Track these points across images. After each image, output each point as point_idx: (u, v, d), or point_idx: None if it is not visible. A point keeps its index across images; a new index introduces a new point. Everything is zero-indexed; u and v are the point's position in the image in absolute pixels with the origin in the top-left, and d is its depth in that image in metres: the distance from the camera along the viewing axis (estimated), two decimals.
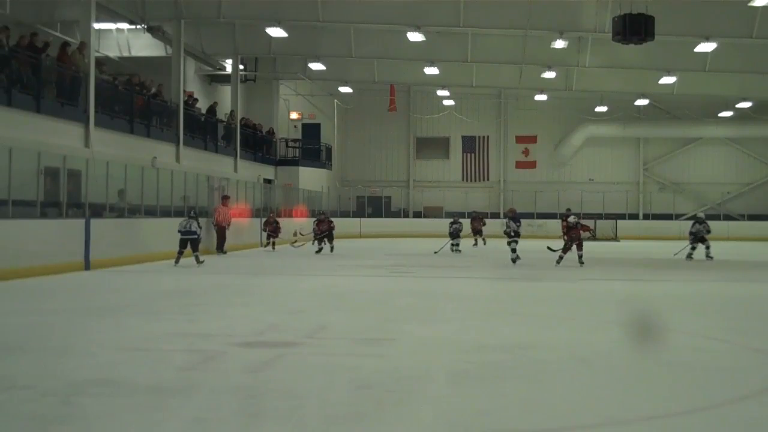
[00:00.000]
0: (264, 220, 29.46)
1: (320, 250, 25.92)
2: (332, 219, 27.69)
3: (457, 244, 27.71)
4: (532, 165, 48.15)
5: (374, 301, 13.08)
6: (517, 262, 21.23)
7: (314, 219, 28.00)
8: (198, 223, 19.70)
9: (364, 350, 8.39)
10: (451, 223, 28.47)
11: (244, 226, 27.86)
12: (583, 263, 20.29)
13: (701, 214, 26.62)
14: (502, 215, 45.61)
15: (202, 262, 19.55)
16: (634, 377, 7.17)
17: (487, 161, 48.40)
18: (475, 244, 32.34)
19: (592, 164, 47.85)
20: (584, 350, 8.35)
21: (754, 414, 6.01)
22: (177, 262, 19.46)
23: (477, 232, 32.66)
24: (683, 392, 6.60)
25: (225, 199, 25.85)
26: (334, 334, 9.40)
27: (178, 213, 22.52)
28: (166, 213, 22.87)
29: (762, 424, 5.80)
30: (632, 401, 6.27)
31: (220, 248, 24.82)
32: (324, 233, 26.22)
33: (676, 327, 10.17)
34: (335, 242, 26.64)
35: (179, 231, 19.59)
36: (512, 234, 21.55)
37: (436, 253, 25.92)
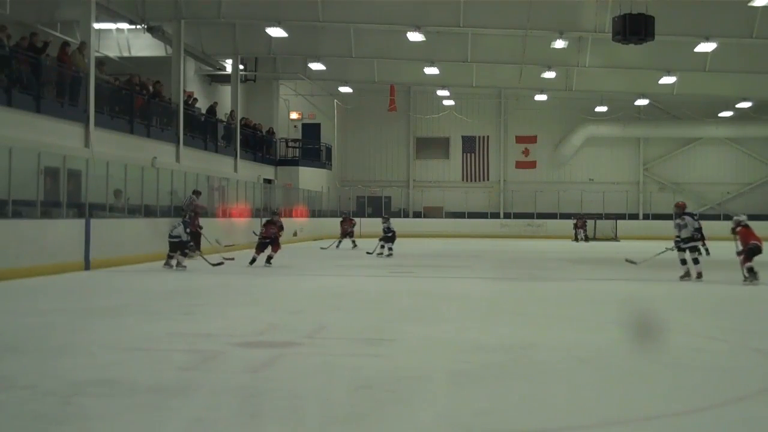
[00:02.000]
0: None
1: (253, 261, 19.86)
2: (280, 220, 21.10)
3: (390, 248, 24.81)
4: (532, 165, 48.17)
5: (374, 301, 13.08)
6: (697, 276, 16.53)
7: (263, 219, 23.44)
8: (185, 227, 18.76)
9: (364, 350, 8.39)
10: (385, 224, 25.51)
11: (241, 226, 27.76)
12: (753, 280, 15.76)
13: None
14: (502, 215, 45.93)
15: (184, 267, 18.46)
16: (634, 377, 7.17)
17: (487, 161, 48.39)
18: (338, 245, 30.08)
19: (592, 164, 47.88)
20: (584, 350, 8.35)
21: (754, 414, 6.01)
22: (166, 264, 18.61)
23: (347, 233, 30.75)
24: (683, 392, 6.60)
25: (196, 194, 23.37)
26: (334, 334, 9.40)
27: (179, 213, 22.51)
28: (166, 213, 22.86)
29: (762, 424, 5.80)
30: (632, 401, 6.27)
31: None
32: (268, 239, 20.15)
33: (676, 327, 10.17)
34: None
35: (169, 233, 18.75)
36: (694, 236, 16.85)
37: (369, 253, 25.04)
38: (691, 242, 16.71)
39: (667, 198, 46.21)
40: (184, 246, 18.65)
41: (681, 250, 16.76)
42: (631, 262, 19.03)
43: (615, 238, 40.36)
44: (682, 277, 16.52)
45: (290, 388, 6.48)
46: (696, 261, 16.56)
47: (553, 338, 9.09)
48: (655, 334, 9.59)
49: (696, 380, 7.06)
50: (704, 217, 44.79)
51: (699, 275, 16.39)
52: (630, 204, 46.09)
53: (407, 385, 6.69)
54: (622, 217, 43.54)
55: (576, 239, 39.60)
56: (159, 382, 6.59)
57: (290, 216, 34.41)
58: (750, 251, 15.64)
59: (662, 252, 17.88)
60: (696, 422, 5.75)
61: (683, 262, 16.68)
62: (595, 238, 39.85)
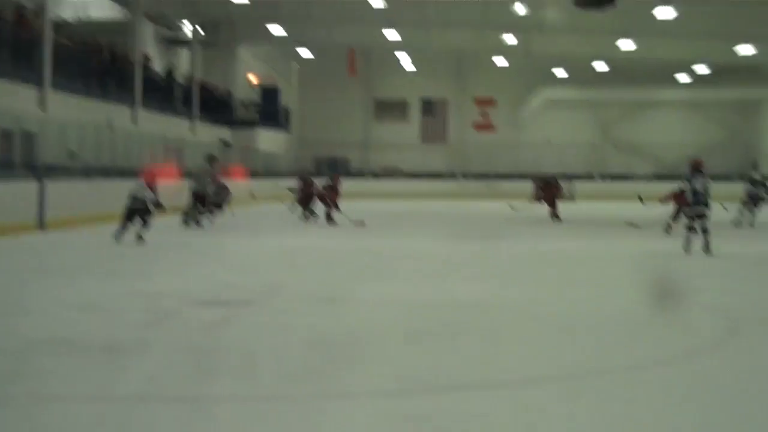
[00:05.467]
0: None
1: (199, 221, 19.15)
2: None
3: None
4: (490, 127, 48.27)
5: (331, 261, 13.13)
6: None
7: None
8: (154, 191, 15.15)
9: (319, 309, 8.44)
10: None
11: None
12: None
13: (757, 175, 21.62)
14: (460, 176, 46.04)
15: (143, 241, 14.69)
16: (587, 332, 7.33)
17: (446, 123, 48.46)
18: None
19: (551, 126, 48.03)
20: (535, 308, 8.49)
21: (704, 369, 6.15)
22: (119, 235, 14.63)
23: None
24: (630, 344, 6.76)
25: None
26: (290, 293, 9.44)
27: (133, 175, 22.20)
28: (121, 174, 22.62)
29: (714, 379, 5.93)
30: (581, 354, 6.44)
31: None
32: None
33: (626, 283, 10.31)
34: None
35: (130, 197, 14.91)
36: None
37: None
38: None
39: (625, 159, 46.66)
40: (147, 213, 15.03)
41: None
42: (634, 225, 17.89)
43: (572, 199, 40.63)
44: None
45: (245, 346, 6.54)
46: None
47: (506, 296, 9.23)
48: (601, 290, 9.77)
49: (645, 334, 7.21)
50: (661, 178, 45.46)
51: None
52: (587, 165, 46.42)
53: (362, 342, 6.78)
54: (579, 177, 43.85)
55: (536, 200, 39.81)
56: (114, 341, 6.61)
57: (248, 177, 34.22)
58: None
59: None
60: (650, 375, 5.88)
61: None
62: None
